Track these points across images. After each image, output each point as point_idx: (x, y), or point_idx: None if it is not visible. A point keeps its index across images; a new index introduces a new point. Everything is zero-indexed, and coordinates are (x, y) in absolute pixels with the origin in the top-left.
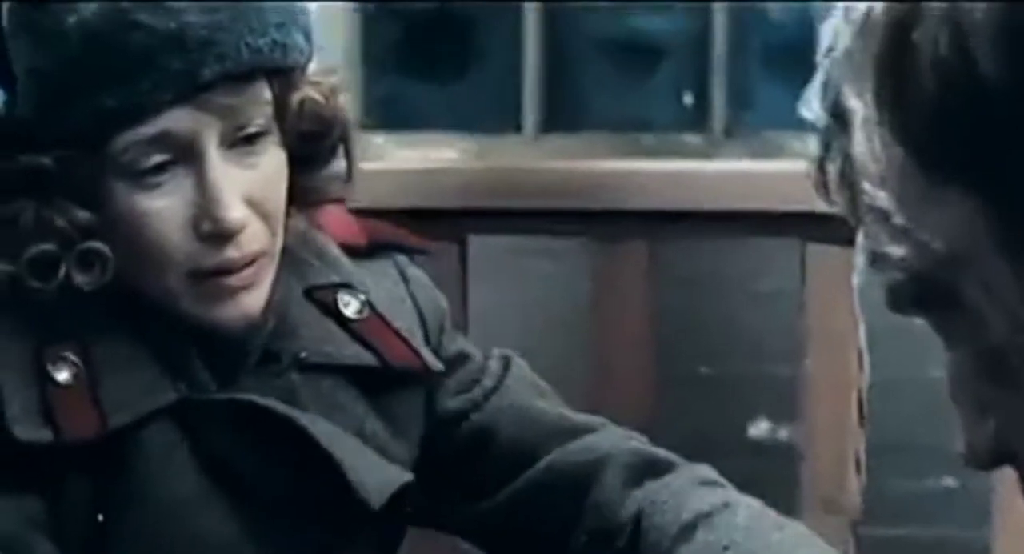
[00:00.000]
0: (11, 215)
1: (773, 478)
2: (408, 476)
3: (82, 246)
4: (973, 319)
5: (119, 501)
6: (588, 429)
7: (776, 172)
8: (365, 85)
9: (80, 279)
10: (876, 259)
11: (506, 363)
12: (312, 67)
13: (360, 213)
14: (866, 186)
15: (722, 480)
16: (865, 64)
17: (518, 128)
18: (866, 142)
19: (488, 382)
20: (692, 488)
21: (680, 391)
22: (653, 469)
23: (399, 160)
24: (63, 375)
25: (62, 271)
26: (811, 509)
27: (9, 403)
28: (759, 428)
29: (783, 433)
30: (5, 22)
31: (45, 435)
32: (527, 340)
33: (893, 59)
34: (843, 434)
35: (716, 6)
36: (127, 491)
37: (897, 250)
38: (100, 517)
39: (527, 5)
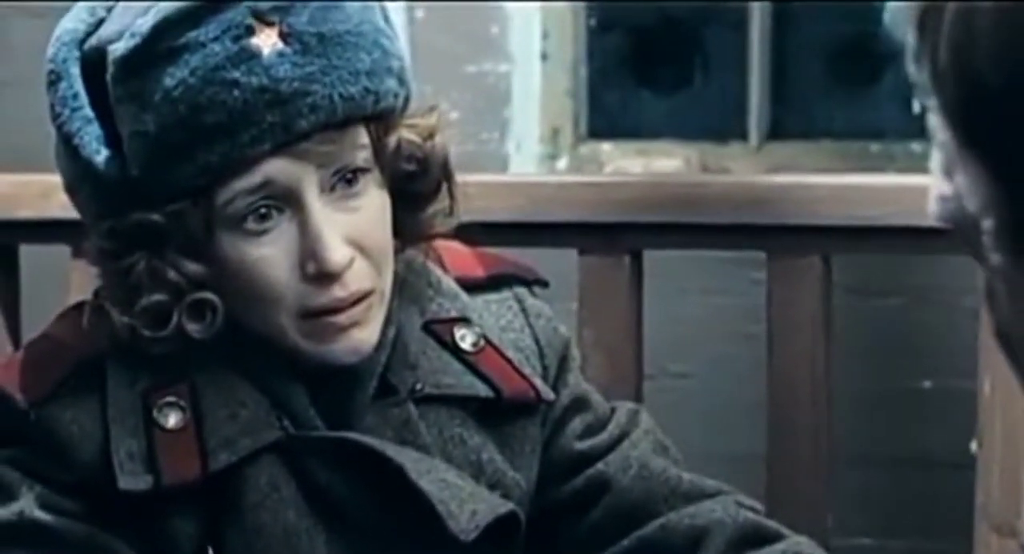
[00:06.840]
0: (125, 268)
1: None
2: (507, 507)
3: (193, 296)
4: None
5: (228, 534)
6: (705, 494)
7: None
8: (592, 94)
9: (192, 328)
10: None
11: (634, 416)
12: (412, 108)
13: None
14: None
15: (820, 552)
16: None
17: (744, 136)
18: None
19: (616, 431)
20: None
21: (902, 406)
22: (756, 539)
23: (590, 172)
24: (171, 420)
25: (174, 320)
26: (984, 531)
27: (116, 451)
28: None
29: None
30: (110, 90)
31: (146, 482)
32: (706, 352)
33: (928, 25)
34: (1018, 454)
35: None
36: (236, 523)
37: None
38: (210, 551)
39: (753, 8)
